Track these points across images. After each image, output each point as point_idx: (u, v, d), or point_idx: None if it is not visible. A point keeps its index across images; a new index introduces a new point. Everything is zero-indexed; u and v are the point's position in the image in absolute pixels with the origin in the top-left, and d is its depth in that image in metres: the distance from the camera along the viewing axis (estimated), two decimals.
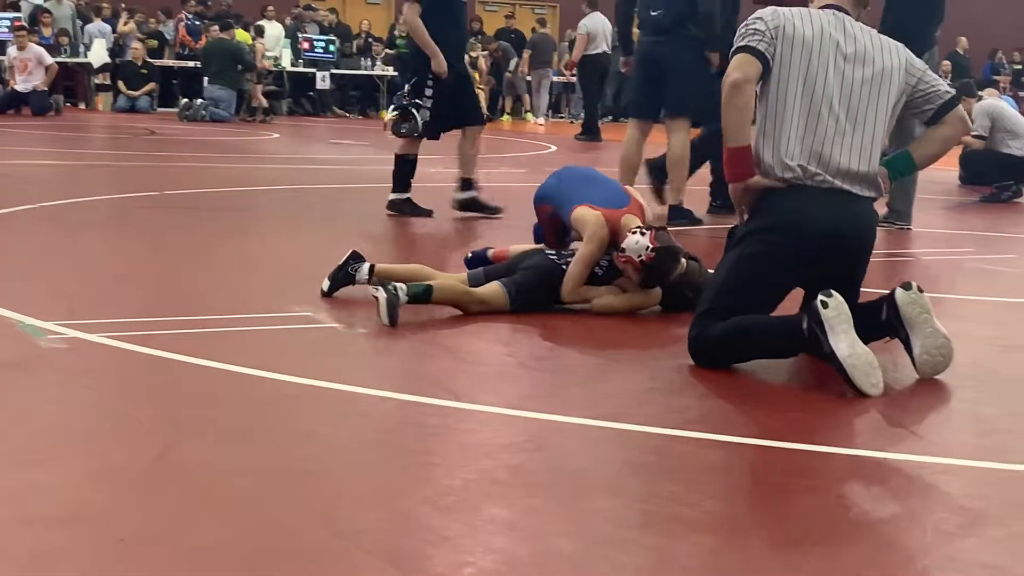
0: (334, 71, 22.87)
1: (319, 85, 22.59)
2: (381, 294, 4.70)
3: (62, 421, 3.52)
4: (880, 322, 4.34)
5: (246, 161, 12.58)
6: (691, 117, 8.41)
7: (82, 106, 21.18)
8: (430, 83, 8.11)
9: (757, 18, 4.41)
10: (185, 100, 19.51)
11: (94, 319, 4.60)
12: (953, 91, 4.56)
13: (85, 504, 2.84)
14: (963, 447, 3.69)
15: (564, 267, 5.14)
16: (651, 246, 4.98)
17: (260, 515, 2.82)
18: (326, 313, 4.92)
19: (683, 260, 5.10)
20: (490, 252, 5.65)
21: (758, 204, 4.42)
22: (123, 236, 7.16)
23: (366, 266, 5.26)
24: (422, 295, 4.85)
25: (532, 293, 5.09)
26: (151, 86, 20.63)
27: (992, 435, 3.86)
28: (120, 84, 20.58)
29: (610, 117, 24.64)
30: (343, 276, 5.25)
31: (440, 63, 8.03)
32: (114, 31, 21.51)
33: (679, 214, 8.32)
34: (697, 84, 8.31)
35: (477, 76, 24.00)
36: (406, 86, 8.23)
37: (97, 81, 21.11)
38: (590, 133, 18.70)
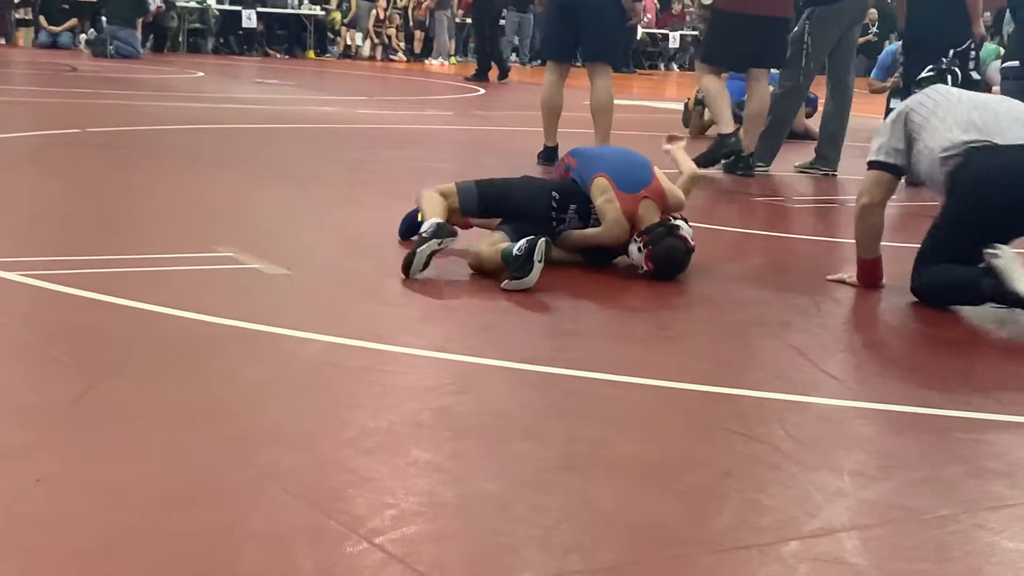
0: (260, 9, 22.57)
1: (245, 23, 22.28)
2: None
3: None
4: None
5: (169, 99, 12.41)
6: (613, 62, 8.40)
7: (2, 41, 20.76)
8: (974, 49, 8.25)
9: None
10: (93, 34, 19.20)
11: (12, 257, 4.52)
12: None
13: (1, 444, 2.80)
14: (882, 392, 3.73)
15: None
16: (645, 268, 4.94)
17: (181, 456, 2.79)
18: (248, 253, 4.86)
19: (685, 252, 4.99)
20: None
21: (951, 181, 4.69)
22: (44, 174, 7.04)
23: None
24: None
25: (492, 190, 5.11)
26: (73, 21, 20.26)
27: (910, 380, 3.91)
28: (41, 19, 20.20)
29: (539, 60, 24.56)
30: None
31: (981, 26, 8.29)
32: None
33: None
34: (616, 28, 8.30)
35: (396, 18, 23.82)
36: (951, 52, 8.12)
37: (18, 16, 20.70)
38: (480, 75, 18.41)
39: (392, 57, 23.50)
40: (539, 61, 24.27)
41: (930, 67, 7.80)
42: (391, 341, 3.81)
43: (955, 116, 4.74)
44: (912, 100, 4.92)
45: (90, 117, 10.02)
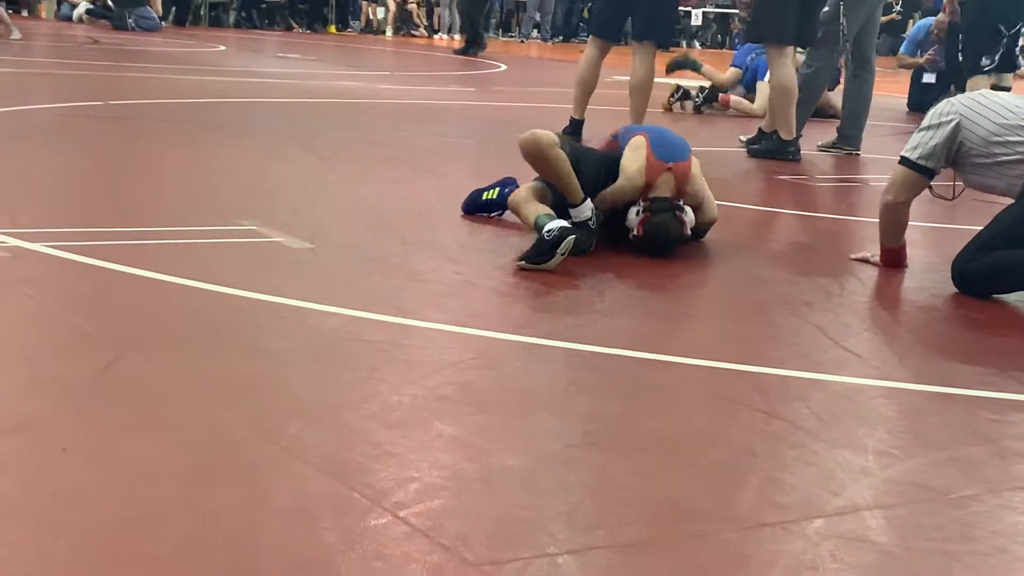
0: None
1: None
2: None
3: (3, 331, 3.48)
4: None
5: (192, 73, 12.42)
6: (658, 41, 8.36)
7: (24, 13, 20.79)
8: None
9: None
10: (86, 8, 19.25)
11: (37, 228, 4.54)
12: None
13: (26, 414, 2.81)
14: (905, 370, 3.72)
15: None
16: (635, 233, 4.88)
17: (205, 428, 2.80)
18: (272, 227, 4.87)
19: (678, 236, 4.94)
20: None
21: None
22: (67, 145, 7.05)
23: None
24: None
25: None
26: None
27: (934, 359, 3.90)
28: None
29: (560, 37, 24.52)
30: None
31: None
32: None
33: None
34: (665, 8, 8.29)
35: None
36: None
37: None
38: (476, 46, 18.34)
39: (413, 32, 23.47)
40: (560, 38, 24.26)
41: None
42: (415, 315, 3.81)
43: (1012, 122, 4.68)
44: (963, 108, 4.74)
45: (112, 89, 10.04)
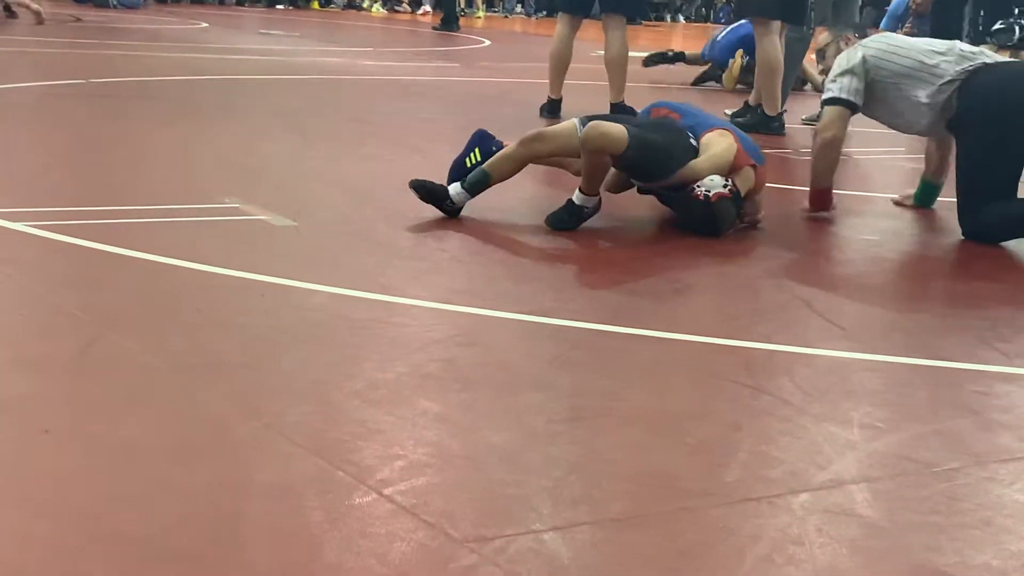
0: None
1: None
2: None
3: None
4: None
5: (174, 50, 12.35)
6: (626, 13, 8.32)
7: None
8: None
9: None
10: None
11: (17, 207, 4.51)
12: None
13: (7, 394, 2.79)
14: (890, 344, 3.72)
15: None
16: (711, 196, 4.74)
17: (188, 407, 2.79)
18: (255, 205, 4.84)
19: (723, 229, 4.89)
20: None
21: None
22: (47, 124, 7.01)
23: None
24: (483, 182, 4.89)
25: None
26: None
27: (918, 333, 3.90)
28: None
29: (544, 12, 24.45)
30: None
31: None
32: None
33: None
34: None
35: None
36: None
37: None
38: (448, 24, 18.16)
39: (397, 8, 23.37)
40: (544, 13, 24.18)
41: (1000, 21, 8.10)
42: (398, 293, 3.79)
43: (921, 58, 5.03)
44: (869, 51, 5.13)
45: (94, 67, 9.97)
